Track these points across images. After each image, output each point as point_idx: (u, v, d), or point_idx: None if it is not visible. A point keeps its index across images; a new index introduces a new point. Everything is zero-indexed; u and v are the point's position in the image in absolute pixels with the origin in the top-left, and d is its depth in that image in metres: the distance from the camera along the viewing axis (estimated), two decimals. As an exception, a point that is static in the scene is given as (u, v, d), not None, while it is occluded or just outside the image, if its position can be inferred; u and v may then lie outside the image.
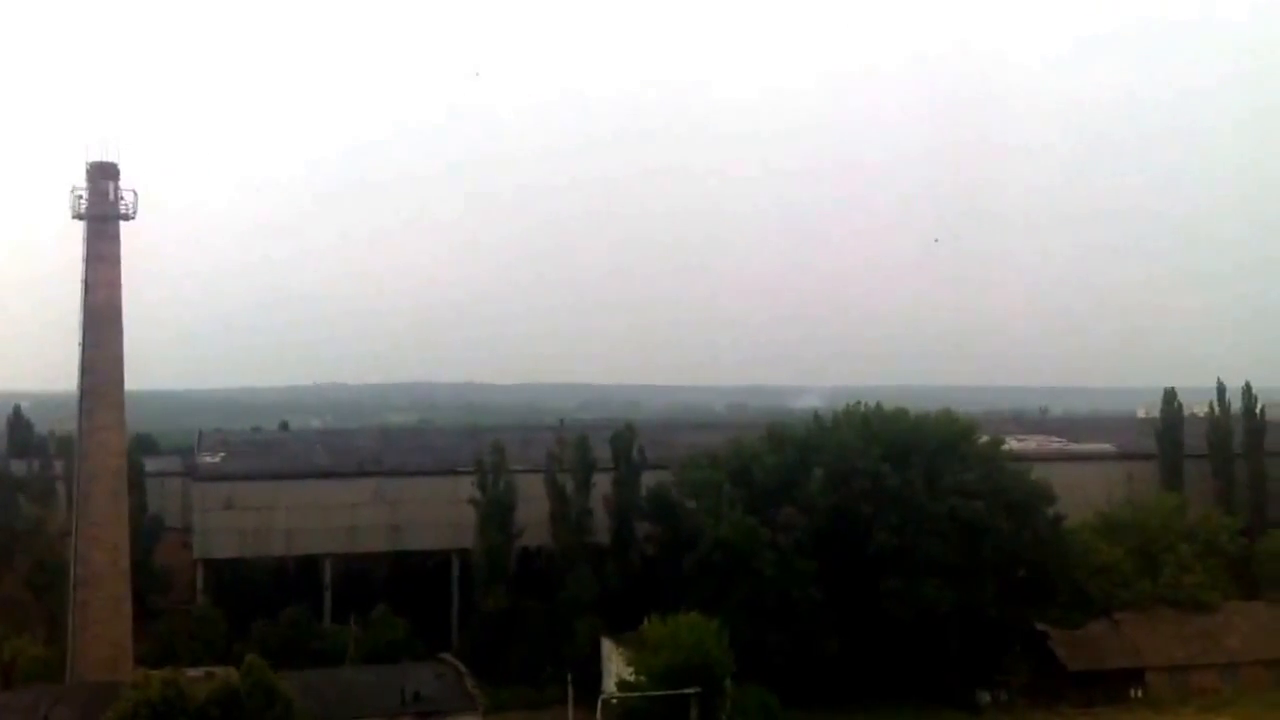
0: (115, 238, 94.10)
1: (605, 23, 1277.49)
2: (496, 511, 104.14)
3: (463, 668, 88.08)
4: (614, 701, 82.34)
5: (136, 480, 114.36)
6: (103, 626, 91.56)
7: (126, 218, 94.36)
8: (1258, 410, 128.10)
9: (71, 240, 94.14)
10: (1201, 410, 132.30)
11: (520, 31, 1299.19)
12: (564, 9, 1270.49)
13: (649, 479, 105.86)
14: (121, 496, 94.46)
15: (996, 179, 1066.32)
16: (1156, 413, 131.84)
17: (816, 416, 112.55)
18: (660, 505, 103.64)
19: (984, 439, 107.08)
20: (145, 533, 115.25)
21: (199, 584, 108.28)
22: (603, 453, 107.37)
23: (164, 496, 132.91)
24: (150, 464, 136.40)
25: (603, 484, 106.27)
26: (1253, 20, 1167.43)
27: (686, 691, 76.69)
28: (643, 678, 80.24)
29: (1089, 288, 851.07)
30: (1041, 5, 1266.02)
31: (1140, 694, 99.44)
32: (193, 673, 74.79)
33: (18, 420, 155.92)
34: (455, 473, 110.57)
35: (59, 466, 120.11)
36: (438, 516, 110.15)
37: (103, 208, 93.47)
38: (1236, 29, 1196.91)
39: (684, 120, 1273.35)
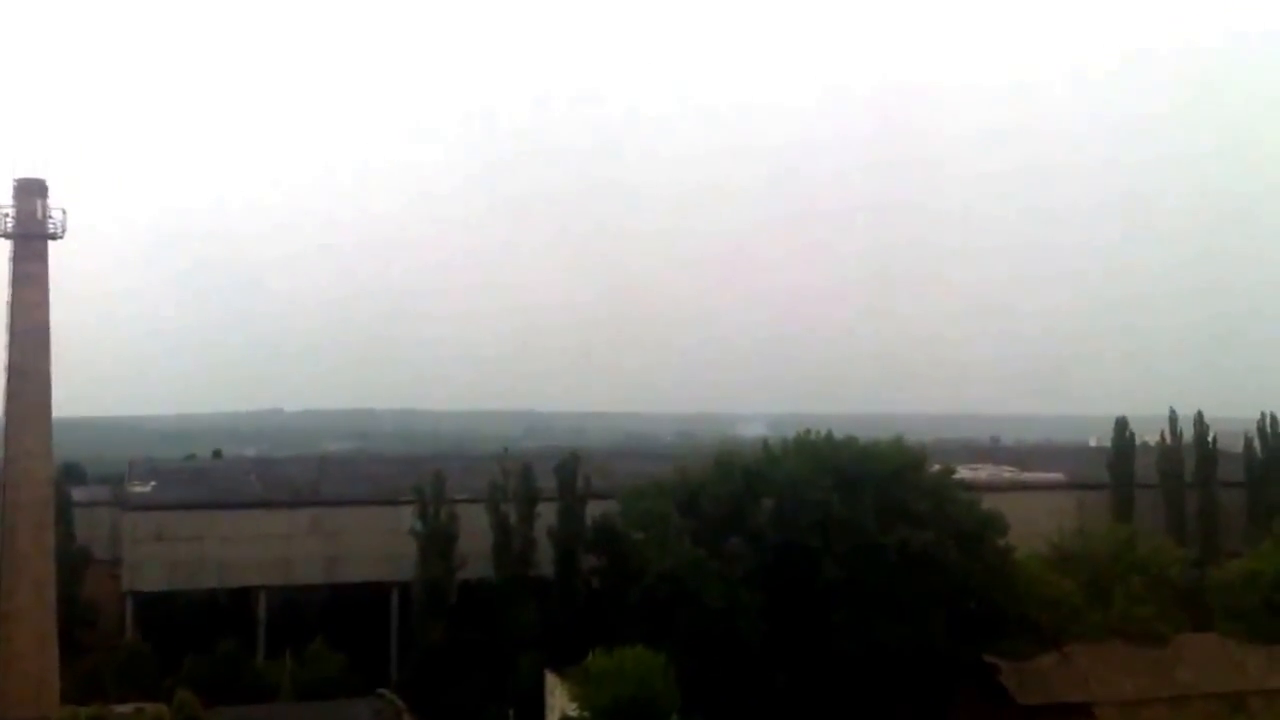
0: (43, 257, 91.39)
1: (539, 36, 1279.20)
2: (437, 542, 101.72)
3: (401, 704, 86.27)
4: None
5: (64, 510, 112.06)
6: (27, 662, 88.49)
7: (55, 237, 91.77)
8: (1210, 440, 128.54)
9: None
10: (1153, 439, 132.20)
11: (444, 40, 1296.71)
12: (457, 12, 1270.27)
13: (595, 509, 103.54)
14: (48, 528, 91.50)
15: (944, 204, 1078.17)
16: (1108, 442, 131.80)
17: (766, 445, 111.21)
18: (605, 536, 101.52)
19: (935, 468, 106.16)
20: (72, 565, 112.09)
21: (128, 618, 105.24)
22: (547, 482, 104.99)
23: (92, 527, 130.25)
24: (78, 493, 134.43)
25: (547, 514, 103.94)
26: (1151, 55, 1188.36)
27: (632, 728, 74.92)
28: (586, 713, 78.30)
29: (1041, 315, 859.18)
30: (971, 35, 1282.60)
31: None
32: (121, 709, 74.04)
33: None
34: (395, 503, 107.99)
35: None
36: (376, 548, 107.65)
37: (30, 226, 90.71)
38: (1165, 59, 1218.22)
39: (627, 140, 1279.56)
